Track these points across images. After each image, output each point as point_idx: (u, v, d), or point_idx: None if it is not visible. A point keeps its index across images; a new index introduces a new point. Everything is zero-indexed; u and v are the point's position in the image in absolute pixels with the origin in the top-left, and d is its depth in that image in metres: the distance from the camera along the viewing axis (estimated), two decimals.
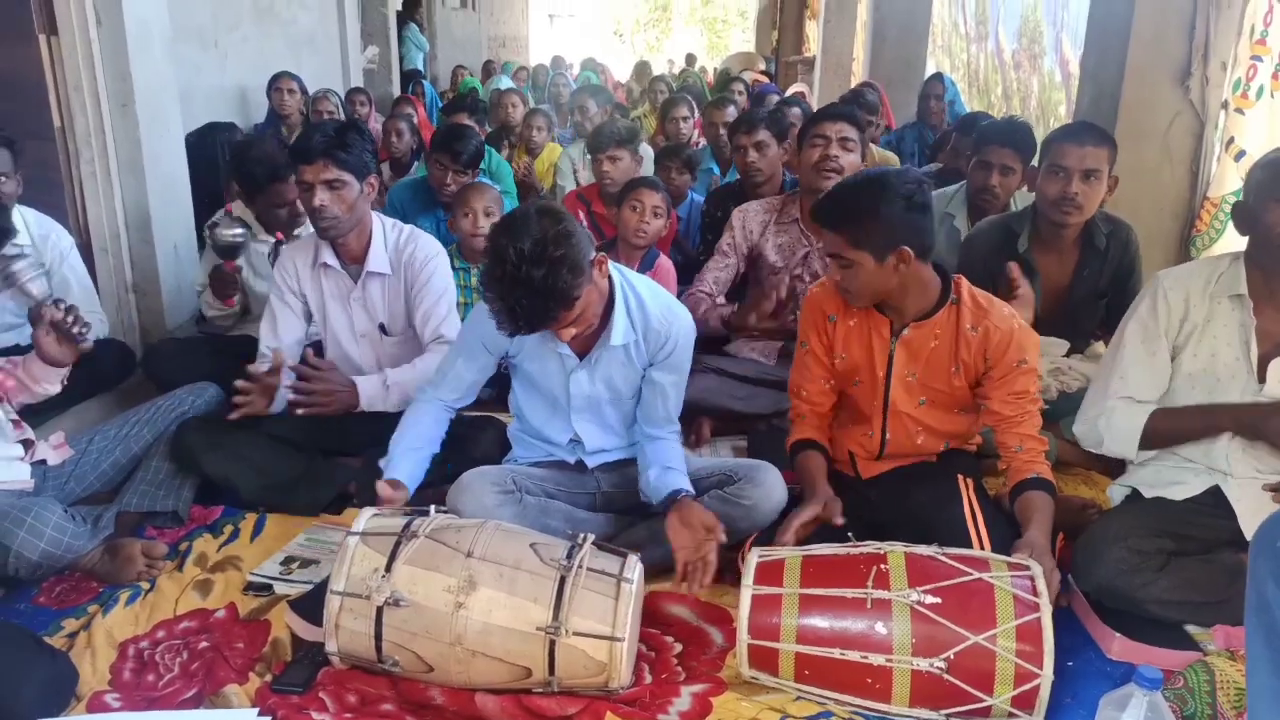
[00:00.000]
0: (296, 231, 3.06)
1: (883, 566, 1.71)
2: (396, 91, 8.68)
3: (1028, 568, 1.70)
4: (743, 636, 1.72)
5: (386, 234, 2.59)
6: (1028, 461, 2.03)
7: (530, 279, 1.78)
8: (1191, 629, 1.95)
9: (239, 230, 2.91)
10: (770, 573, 1.77)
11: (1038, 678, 1.58)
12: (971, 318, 2.06)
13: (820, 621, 1.69)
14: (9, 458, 2.16)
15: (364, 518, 1.80)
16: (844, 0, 9.00)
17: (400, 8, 9.12)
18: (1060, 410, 2.73)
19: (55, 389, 2.28)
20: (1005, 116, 3.30)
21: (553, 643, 1.66)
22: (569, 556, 1.74)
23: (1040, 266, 2.69)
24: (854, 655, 1.65)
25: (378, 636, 1.69)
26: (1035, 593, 1.64)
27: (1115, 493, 2.29)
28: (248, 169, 2.99)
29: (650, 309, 2.08)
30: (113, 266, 3.43)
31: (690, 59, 15.40)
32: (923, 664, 1.62)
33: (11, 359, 2.27)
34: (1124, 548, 1.94)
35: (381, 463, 2.07)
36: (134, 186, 3.39)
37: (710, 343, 3.15)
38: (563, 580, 1.70)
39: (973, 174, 3.20)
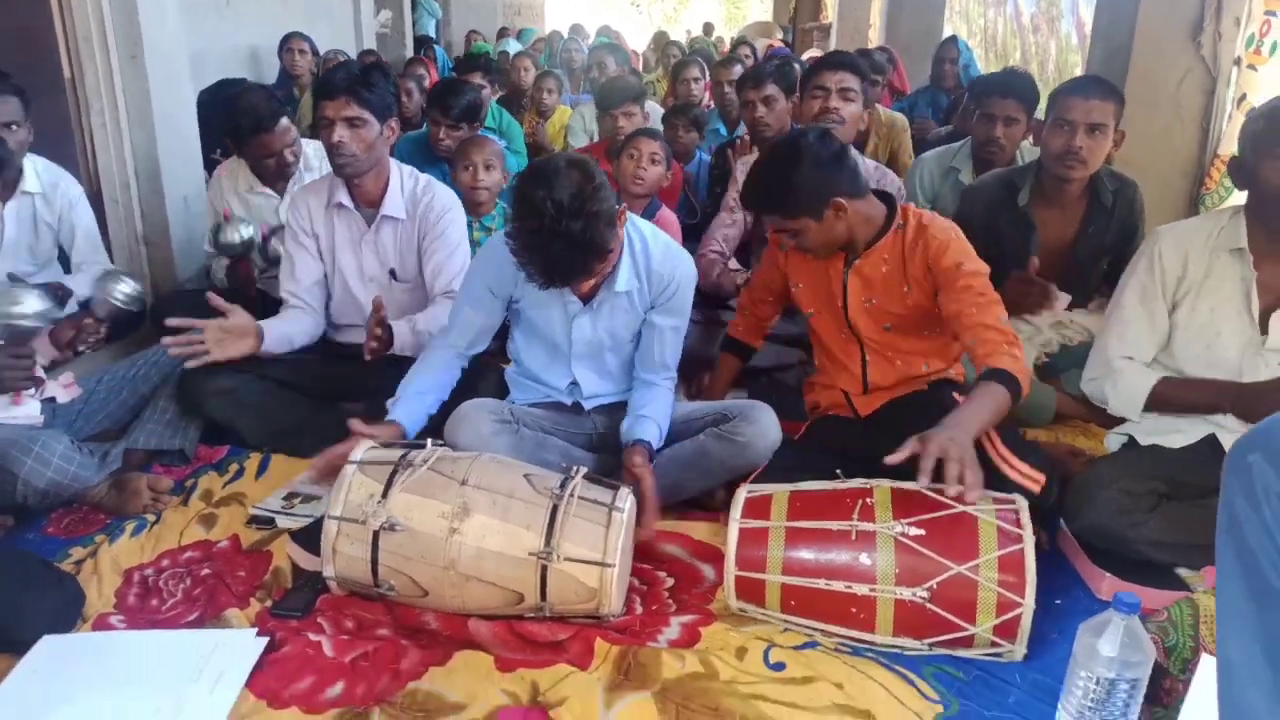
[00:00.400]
0: (290, 185, 3.07)
1: (868, 500, 1.74)
2: (409, 56, 8.66)
3: (1012, 501, 1.73)
4: (730, 568, 1.75)
5: (404, 180, 2.60)
6: (985, 355, 1.91)
7: (569, 232, 1.80)
8: (1182, 572, 1.96)
9: (246, 232, 2.90)
10: (758, 507, 1.80)
11: (1019, 607, 1.61)
12: (914, 236, 2.12)
13: (805, 553, 1.72)
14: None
15: (362, 448, 1.84)
16: None
17: None
18: (1062, 364, 2.74)
19: (44, 363, 2.30)
20: (1004, 69, 3.26)
21: (544, 568, 1.70)
22: (561, 486, 1.77)
23: (1042, 221, 2.69)
24: (838, 585, 1.68)
25: (374, 561, 1.73)
26: (1019, 524, 1.66)
27: (1112, 441, 2.29)
28: (234, 120, 3.00)
29: (653, 251, 2.10)
30: (123, 217, 3.46)
31: (708, 28, 15.28)
32: (906, 593, 1.64)
33: None
34: (1116, 489, 1.96)
35: (389, 403, 2.09)
36: (143, 138, 3.41)
37: (710, 298, 3.16)
38: (555, 508, 1.73)
39: (976, 128, 3.17)
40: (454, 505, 1.71)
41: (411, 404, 2.09)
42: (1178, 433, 2.14)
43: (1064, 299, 2.85)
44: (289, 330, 2.52)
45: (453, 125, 3.61)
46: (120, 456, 2.27)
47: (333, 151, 2.40)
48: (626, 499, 1.79)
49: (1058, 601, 1.87)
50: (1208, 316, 2.09)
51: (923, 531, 1.67)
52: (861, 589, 1.67)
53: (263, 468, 2.38)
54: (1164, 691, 1.57)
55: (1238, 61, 3.11)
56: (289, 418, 2.49)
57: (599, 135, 3.87)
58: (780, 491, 1.83)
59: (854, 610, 1.68)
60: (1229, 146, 3.14)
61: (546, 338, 2.20)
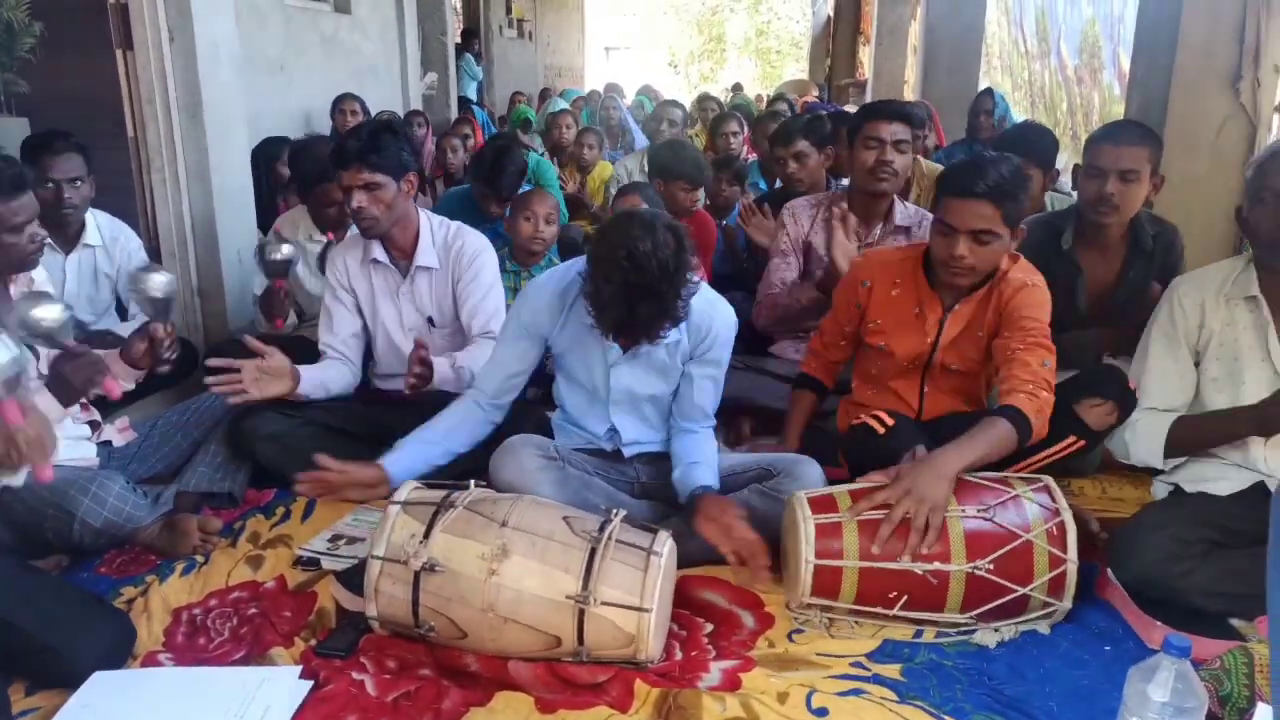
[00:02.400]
0: (347, 234, 3.16)
1: None
2: (454, 116, 8.91)
3: (1041, 480, 1.94)
4: (809, 559, 1.83)
5: (434, 230, 2.68)
6: (1005, 391, 2.06)
7: (661, 293, 1.84)
8: (1235, 622, 1.91)
9: (287, 249, 2.97)
10: (823, 504, 1.91)
11: (1065, 563, 1.82)
12: (1010, 286, 2.20)
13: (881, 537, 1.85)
14: (76, 437, 2.28)
15: (406, 489, 1.87)
16: (896, 23, 9.07)
17: (459, 39, 9.40)
18: None
19: (128, 386, 2.32)
20: (1021, 123, 3.29)
21: (582, 612, 1.70)
22: (600, 529, 1.78)
23: (1085, 264, 2.69)
24: (917, 566, 1.82)
25: (415, 602, 1.75)
26: (1054, 500, 1.89)
27: (1159, 489, 2.26)
28: (301, 168, 3.14)
29: (693, 303, 2.08)
30: (179, 271, 3.57)
31: (736, 88, 15.51)
32: (973, 566, 1.82)
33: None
34: (1165, 535, 1.93)
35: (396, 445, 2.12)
36: (200, 194, 3.54)
37: (753, 345, 3.18)
38: (593, 551, 1.74)
39: None
40: (493, 547, 1.73)
41: (410, 451, 2.10)
42: (1223, 480, 2.11)
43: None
44: (325, 377, 2.59)
45: (502, 201, 3.73)
46: (172, 499, 2.33)
47: (355, 217, 2.50)
48: (665, 543, 1.79)
49: (1107, 648, 1.83)
50: (1231, 366, 2.09)
51: (983, 511, 1.85)
52: (936, 565, 1.81)
53: (308, 511, 2.42)
54: None
55: (1278, 108, 3.10)
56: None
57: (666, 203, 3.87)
58: (840, 490, 1.95)
59: (927, 587, 1.83)
60: None
61: (586, 384, 2.22)
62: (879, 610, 1.86)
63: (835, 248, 2.85)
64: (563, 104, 8.19)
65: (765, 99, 14.75)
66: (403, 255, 2.66)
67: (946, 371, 2.33)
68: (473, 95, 9.94)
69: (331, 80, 6.29)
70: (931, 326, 2.28)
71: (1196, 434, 2.09)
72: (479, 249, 2.67)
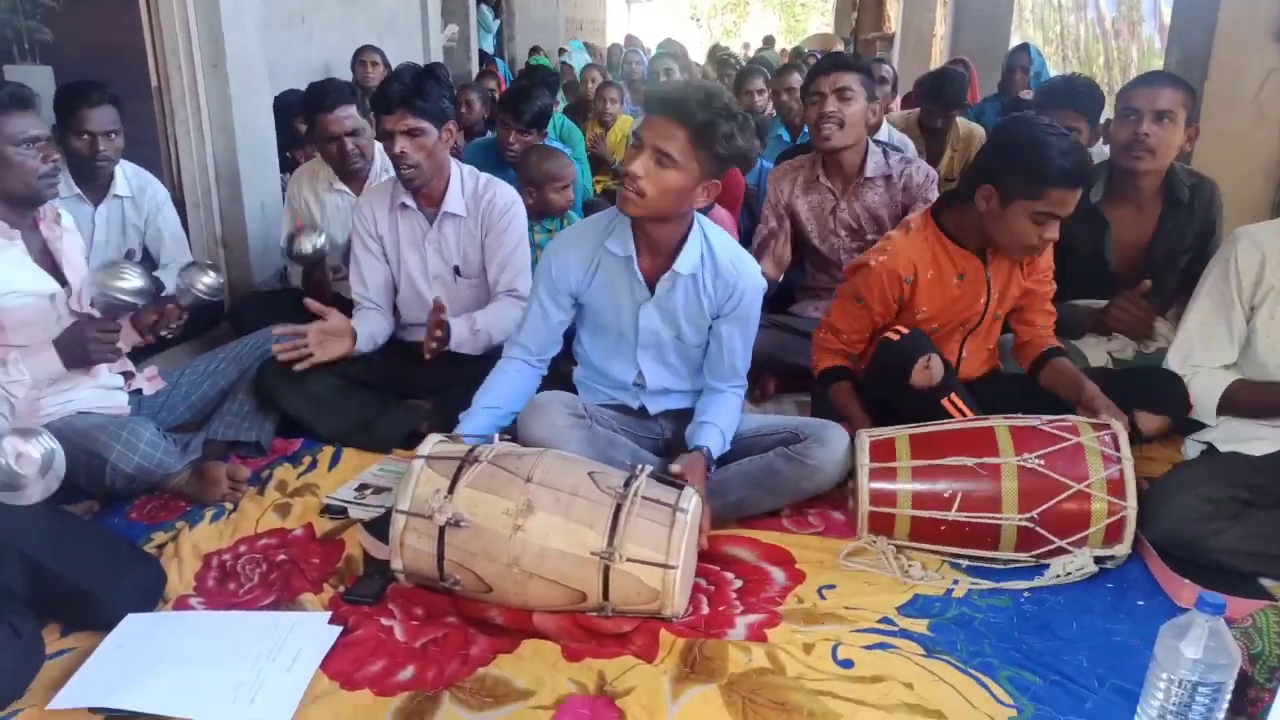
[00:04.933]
0: (355, 165, 3.13)
1: (990, 437, 1.94)
2: (474, 70, 8.82)
3: (1109, 426, 1.94)
4: (864, 505, 1.94)
5: (465, 179, 2.66)
6: (1045, 335, 2.34)
7: (728, 107, 1.87)
8: (1266, 581, 1.90)
9: (319, 242, 2.94)
10: (883, 450, 1.98)
11: (1123, 509, 1.86)
12: None
13: (936, 487, 1.93)
14: (109, 386, 2.29)
15: (430, 443, 1.87)
16: None
17: None
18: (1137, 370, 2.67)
19: (125, 349, 2.35)
20: (1065, 75, 3.21)
21: (607, 568, 1.70)
22: (626, 485, 1.77)
23: (1115, 219, 2.63)
24: (965, 516, 1.89)
25: (440, 555, 1.75)
26: (1118, 448, 1.89)
27: (1190, 448, 2.24)
28: (305, 99, 3.13)
29: (720, 256, 2.09)
30: (203, 221, 3.58)
31: (769, 40, 15.29)
32: (1025, 520, 1.87)
33: None
34: (1195, 495, 1.91)
35: (462, 415, 2.11)
36: (224, 145, 3.53)
37: (775, 301, 3.16)
38: (618, 508, 1.73)
39: None
40: (518, 502, 1.73)
41: (482, 418, 2.10)
42: (1259, 439, 2.09)
43: None
44: (372, 330, 2.61)
45: (523, 130, 3.67)
46: (200, 446, 2.35)
47: (397, 163, 2.47)
48: (691, 499, 1.78)
49: (1140, 603, 1.83)
50: None
51: (1042, 461, 1.89)
52: (988, 518, 1.88)
53: (335, 460, 2.44)
54: (1249, 701, 1.51)
55: None
56: (360, 413, 2.55)
57: None
58: (901, 434, 2.00)
59: (980, 536, 1.90)
60: None
61: (613, 328, 2.19)
62: (938, 548, 1.94)
63: (766, 258, 2.88)
64: (578, 50, 8.09)
65: (789, 55, 14.54)
66: (430, 203, 2.64)
67: (993, 324, 2.34)
68: (488, 48, 9.82)
69: (351, 32, 6.22)
70: (980, 286, 2.26)
71: (1253, 399, 2.08)
72: (510, 201, 2.65)
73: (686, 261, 2.05)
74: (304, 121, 3.18)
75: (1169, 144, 2.48)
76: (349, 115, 3.06)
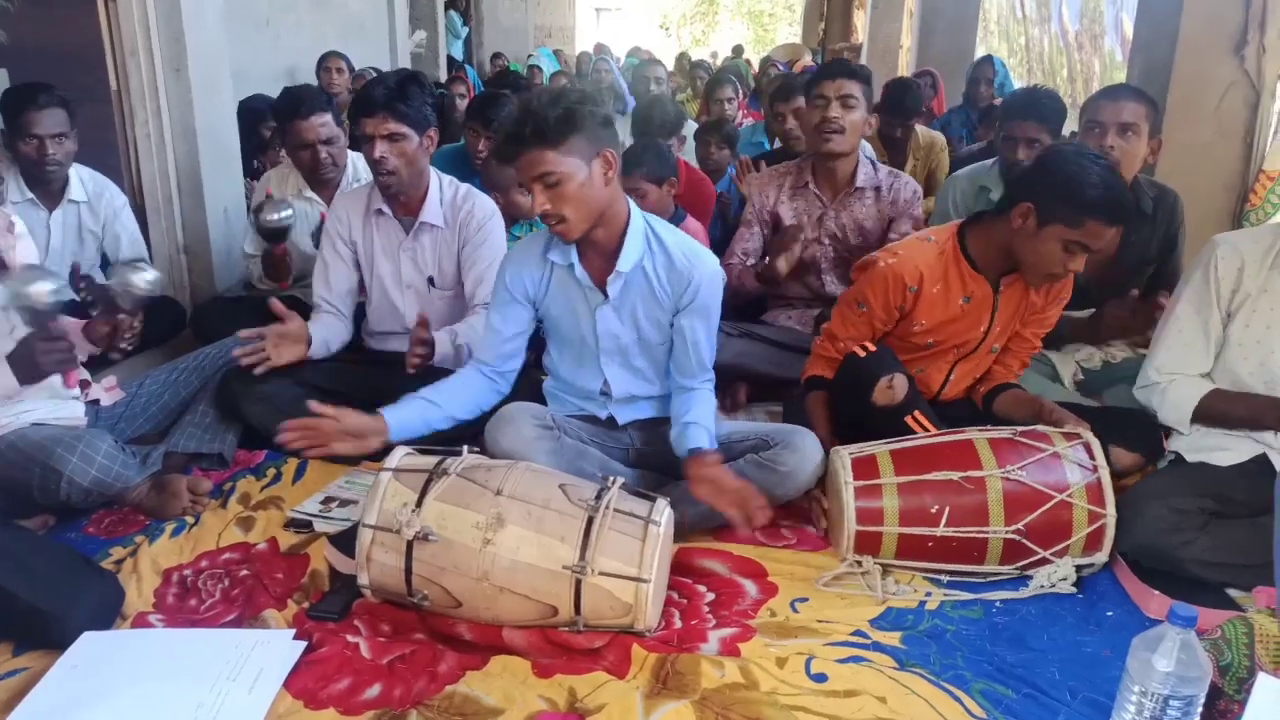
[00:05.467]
0: (328, 175, 3.09)
1: (970, 450, 1.94)
2: (442, 76, 8.77)
3: (1080, 436, 1.97)
4: (850, 526, 1.92)
5: (443, 189, 2.63)
6: (1010, 377, 2.39)
7: (562, 96, 1.86)
8: (1233, 592, 1.91)
9: (285, 213, 2.91)
10: (865, 467, 1.96)
11: (1103, 517, 1.89)
12: None
13: (921, 503, 1.92)
14: (64, 396, 2.23)
15: (397, 455, 1.83)
16: None
17: None
18: (1104, 380, 2.70)
19: (81, 358, 2.30)
20: (1027, 87, 3.25)
21: (579, 582, 1.68)
22: (597, 498, 1.75)
23: None
24: (953, 530, 1.89)
25: (408, 570, 1.71)
26: (1093, 456, 1.93)
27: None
28: (278, 105, 3.10)
29: (672, 249, 2.06)
30: (165, 228, 3.51)
31: (738, 50, 15.34)
32: (1012, 531, 1.88)
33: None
34: (1164, 505, 1.92)
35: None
36: (186, 150, 3.46)
37: (745, 310, 3.15)
38: (590, 520, 1.71)
39: (1002, 149, 3.19)
40: (488, 515, 1.70)
41: (410, 406, 2.05)
42: (1225, 450, 2.10)
43: None
44: (327, 336, 2.56)
45: (491, 136, 3.63)
46: (160, 459, 2.30)
47: (376, 168, 2.43)
48: (664, 511, 1.77)
49: (1110, 613, 1.83)
50: (1262, 333, 2.05)
51: (1024, 473, 1.90)
52: (975, 531, 1.88)
53: (299, 473, 2.39)
54: (1219, 713, 1.52)
55: None
56: None
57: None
58: (881, 450, 1.99)
59: (967, 551, 1.90)
60: (1274, 163, 3.10)
61: (574, 337, 2.17)
62: (925, 565, 1.93)
63: (783, 255, 2.89)
64: (546, 56, 8.07)
65: (757, 63, 14.62)
66: (407, 211, 2.60)
67: (986, 355, 2.35)
68: (457, 54, 9.76)
69: (318, 36, 6.17)
70: (984, 313, 2.25)
71: (1228, 410, 2.08)
72: (489, 213, 2.62)
73: (628, 259, 2.03)
74: (276, 126, 3.14)
75: (1133, 156, 2.51)
76: (324, 123, 3.03)
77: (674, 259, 2.05)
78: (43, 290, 1.97)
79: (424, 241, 2.61)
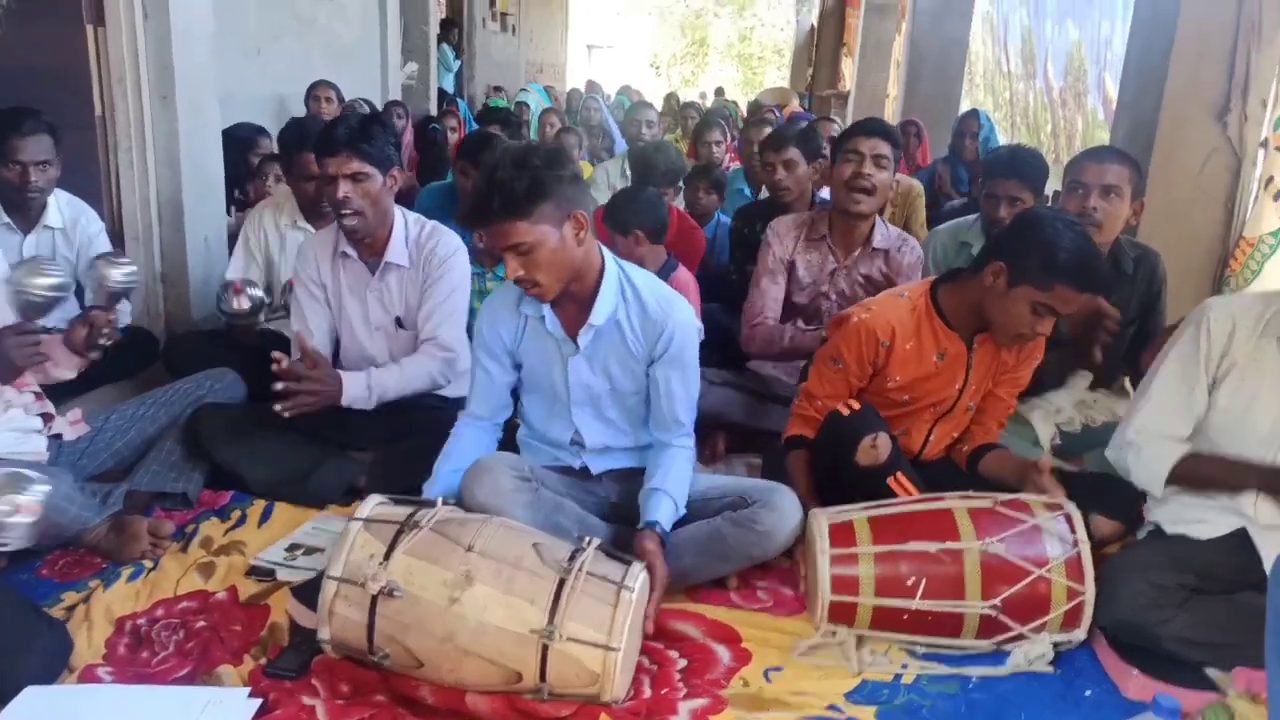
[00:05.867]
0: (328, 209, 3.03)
1: (949, 520, 1.90)
2: (433, 108, 8.78)
3: (1062, 507, 1.92)
4: (825, 595, 1.86)
5: (409, 227, 2.60)
6: (991, 437, 2.36)
7: (527, 161, 1.83)
8: (1212, 672, 1.87)
9: (247, 305, 2.85)
10: (842, 534, 1.91)
11: (1081, 594, 1.84)
12: None
13: (898, 574, 1.87)
14: (26, 430, 2.17)
15: (370, 504, 1.79)
16: (880, 37, 9.07)
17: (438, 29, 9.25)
18: (1084, 444, 2.68)
19: (70, 374, 2.28)
20: (1010, 146, 3.27)
21: (545, 647, 1.62)
22: (571, 559, 1.70)
23: None
24: (929, 605, 1.84)
25: (370, 626, 1.66)
26: (1074, 529, 1.88)
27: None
28: (285, 136, 3.10)
29: (646, 298, 2.03)
30: (143, 256, 3.44)
31: (719, 91, 15.51)
32: (988, 607, 1.83)
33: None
34: (1144, 580, 1.88)
35: (424, 485, 2.04)
36: (169, 178, 3.42)
37: (728, 358, 3.13)
38: (561, 583, 1.66)
39: (984, 206, 3.20)
40: (457, 573, 1.65)
41: (447, 481, 2.03)
42: (1204, 523, 2.07)
43: (1085, 376, 2.81)
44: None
45: None
46: (121, 498, 2.23)
47: (338, 208, 2.40)
48: (638, 577, 1.72)
49: (1088, 692, 1.80)
50: (1246, 403, 2.02)
51: (1004, 545, 1.86)
52: (951, 605, 1.84)
53: (265, 515, 2.33)
54: None
55: (1264, 143, 3.10)
56: (296, 465, 2.45)
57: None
58: (859, 516, 1.94)
59: (942, 624, 1.85)
60: (1255, 229, 3.12)
61: (546, 386, 2.14)
62: (900, 637, 1.89)
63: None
64: (535, 91, 8.10)
65: (745, 106, 14.78)
66: (372, 252, 2.57)
67: (965, 414, 2.33)
68: (448, 87, 9.79)
69: (308, 65, 6.15)
70: (958, 370, 2.24)
71: (1204, 475, 2.04)
72: (452, 250, 2.59)
73: (601, 311, 2.00)
74: (278, 155, 3.14)
75: (1116, 218, 2.52)
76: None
77: (647, 308, 2.02)
78: (43, 284, 1.94)
79: (390, 282, 2.58)
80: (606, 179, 5.05)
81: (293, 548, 2.16)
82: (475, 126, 8.38)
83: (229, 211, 4.11)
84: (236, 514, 2.33)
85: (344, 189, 2.39)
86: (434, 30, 8.86)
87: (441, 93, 9.33)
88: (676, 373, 2.06)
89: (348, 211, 2.42)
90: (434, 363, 2.53)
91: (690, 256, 3.76)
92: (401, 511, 1.77)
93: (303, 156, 2.98)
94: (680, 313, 2.05)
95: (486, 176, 1.85)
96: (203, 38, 3.55)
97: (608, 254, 2.05)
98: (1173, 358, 2.10)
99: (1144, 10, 3.33)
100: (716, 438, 2.89)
